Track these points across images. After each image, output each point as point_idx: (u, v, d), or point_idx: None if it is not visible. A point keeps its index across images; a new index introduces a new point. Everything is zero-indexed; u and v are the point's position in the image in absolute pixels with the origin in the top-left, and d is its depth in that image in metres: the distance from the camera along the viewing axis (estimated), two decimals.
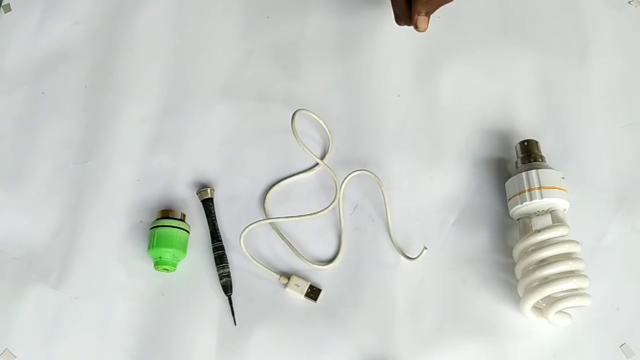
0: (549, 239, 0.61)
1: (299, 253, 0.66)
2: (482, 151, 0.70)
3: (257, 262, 0.64)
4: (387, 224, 0.67)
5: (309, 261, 0.65)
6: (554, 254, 0.60)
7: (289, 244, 0.66)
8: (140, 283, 0.65)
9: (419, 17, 0.64)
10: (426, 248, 0.64)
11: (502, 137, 0.71)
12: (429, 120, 0.72)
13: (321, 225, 0.67)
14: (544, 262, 0.60)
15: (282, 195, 0.69)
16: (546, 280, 0.59)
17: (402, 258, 0.65)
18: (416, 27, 0.64)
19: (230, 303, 0.64)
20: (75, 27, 0.77)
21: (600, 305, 0.63)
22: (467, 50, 0.75)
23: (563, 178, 0.64)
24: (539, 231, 0.61)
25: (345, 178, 0.67)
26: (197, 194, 0.68)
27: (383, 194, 0.67)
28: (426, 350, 0.62)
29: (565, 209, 0.64)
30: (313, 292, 0.64)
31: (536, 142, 0.67)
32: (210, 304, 0.64)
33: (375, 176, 0.67)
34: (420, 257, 0.64)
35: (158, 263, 0.64)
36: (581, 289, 0.60)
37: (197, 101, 0.73)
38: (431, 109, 0.72)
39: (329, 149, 0.70)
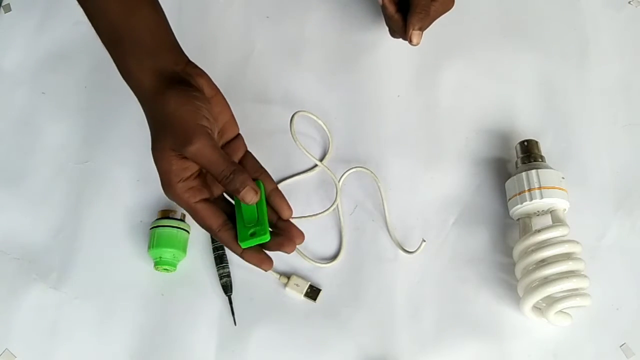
0: (549, 239, 0.61)
1: (300, 251, 0.65)
2: (482, 151, 0.70)
3: None
4: (385, 220, 0.67)
5: (311, 259, 0.65)
6: (554, 254, 0.60)
7: None
8: (140, 283, 0.65)
9: (413, 31, 0.65)
10: (424, 241, 0.64)
11: (502, 137, 0.71)
12: (429, 120, 0.72)
13: (321, 225, 0.67)
14: (544, 262, 0.60)
15: None
16: (546, 280, 0.59)
17: (402, 253, 0.65)
18: (410, 42, 0.65)
19: (230, 303, 0.64)
20: (75, 27, 0.77)
21: (600, 305, 0.63)
22: (467, 51, 0.75)
23: (563, 178, 0.64)
24: (539, 231, 0.61)
25: (343, 175, 0.67)
26: None
27: (380, 190, 0.67)
28: (426, 350, 0.62)
29: (565, 209, 0.64)
30: (312, 292, 0.64)
31: (536, 142, 0.67)
32: (210, 304, 0.64)
33: (372, 173, 0.67)
34: (419, 250, 0.64)
35: (158, 263, 0.64)
36: (581, 289, 0.60)
37: None
38: (431, 109, 0.72)
39: (329, 149, 0.70)
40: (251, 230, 0.53)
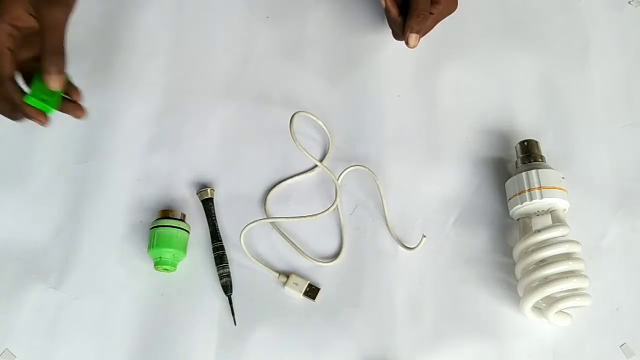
0: (549, 239, 0.61)
1: (301, 250, 0.65)
2: (482, 151, 0.70)
3: (256, 260, 0.64)
4: (385, 220, 0.67)
5: (312, 258, 0.65)
6: (554, 254, 0.60)
7: (290, 242, 0.66)
8: (140, 283, 0.65)
9: (410, 34, 0.66)
10: (425, 236, 0.64)
11: (502, 137, 0.71)
12: (429, 120, 0.72)
13: (321, 225, 0.67)
14: (544, 262, 0.60)
15: (283, 195, 0.68)
16: (546, 280, 0.59)
17: (402, 251, 0.65)
18: (407, 44, 0.66)
19: (230, 303, 0.64)
20: (74, 27, 0.76)
21: (600, 305, 0.63)
22: (467, 51, 0.75)
23: (563, 178, 0.64)
24: (539, 231, 0.61)
25: (341, 174, 0.67)
26: (197, 194, 0.68)
27: (379, 188, 0.67)
28: (426, 350, 0.62)
29: (565, 209, 0.64)
30: (312, 291, 0.64)
31: (536, 142, 0.67)
32: (210, 304, 0.64)
33: (370, 171, 0.67)
34: (420, 246, 0.64)
35: (158, 263, 0.64)
36: (581, 289, 0.60)
37: (197, 101, 0.73)
38: (431, 109, 0.72)
39: (329, 149, 0.70)
40: (43, 97, 0.58)
